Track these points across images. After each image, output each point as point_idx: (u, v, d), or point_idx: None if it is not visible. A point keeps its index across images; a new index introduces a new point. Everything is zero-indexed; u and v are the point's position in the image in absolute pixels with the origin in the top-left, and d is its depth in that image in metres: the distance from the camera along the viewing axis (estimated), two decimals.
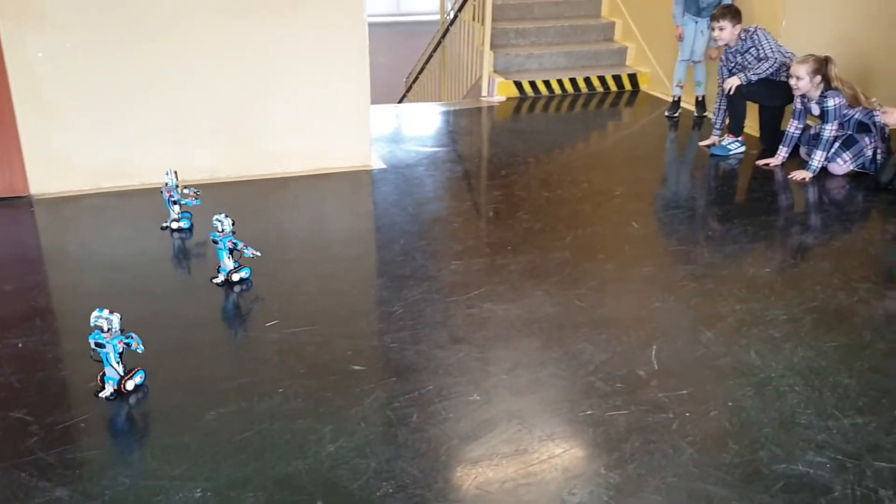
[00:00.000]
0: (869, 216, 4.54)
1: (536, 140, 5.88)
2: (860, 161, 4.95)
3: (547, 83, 7.12)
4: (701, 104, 6.32)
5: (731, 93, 5.33)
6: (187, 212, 4.16)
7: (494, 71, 7.18)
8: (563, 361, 2.99)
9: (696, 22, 6.00)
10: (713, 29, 5.35)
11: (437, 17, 9.17)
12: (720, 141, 5.51)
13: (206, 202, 4.57)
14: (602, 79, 7.22)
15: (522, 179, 4.96)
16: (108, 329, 2.73)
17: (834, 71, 4.87)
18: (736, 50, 5.33)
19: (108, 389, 2.76)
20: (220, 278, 3.54)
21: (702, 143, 5.67)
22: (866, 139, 4.93)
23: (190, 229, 4.15)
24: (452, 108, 6.87)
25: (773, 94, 5.33)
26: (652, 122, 6.42)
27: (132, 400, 2.77)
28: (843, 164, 4.96)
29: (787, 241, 4.24)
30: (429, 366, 2.94)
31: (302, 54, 4.77)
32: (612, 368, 2.94)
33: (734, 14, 5.28)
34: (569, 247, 3.99)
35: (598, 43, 7.66)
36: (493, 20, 7.08)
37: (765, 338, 3.15)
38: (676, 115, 6.37)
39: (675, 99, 6.41)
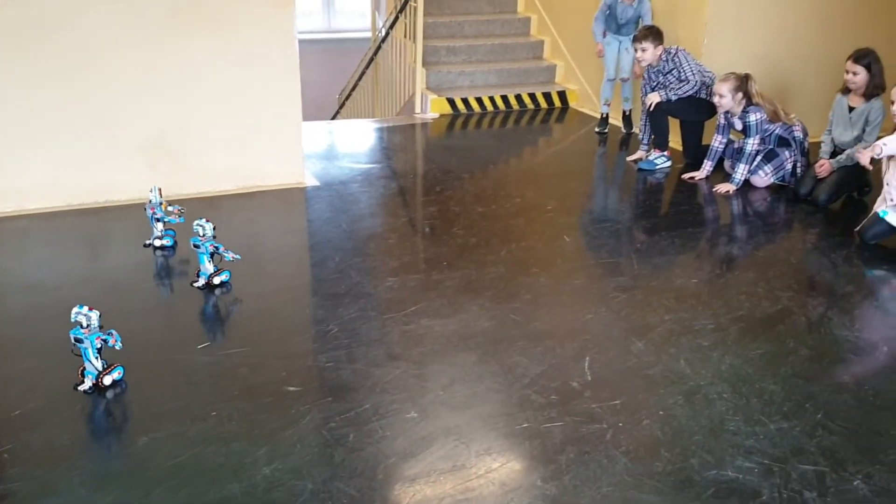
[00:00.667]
0: (790, 227, 4.70)
1: (470, 156, 5.94)
2: (780, 174, 5.14)
3: (479, 100, 7.20)
4: (628, 120, 6.46)
5: (652, 109, 5.48)
6: (171, 229, 4.10)
7: (427, 88, 7.23)
8: (500, 375, 3.01)
9: (620, 41, 6.14)
10: (636, 50, 5.47)
11: (369, 34, 9.20)
12: (647, 156, 5.65)
13: (133, 223, 4.49)
14: (532, 96, 7.33)
15: (457, 195, 5.00)
16: (87, 325, 2.84)
17: (754, 88, 5.04)
18: (658, 70, 5.47)
19: (87, 383, 2.86)
20: (201, 282, 3.65)
21: (630, 158, 5.81)
22: (786, 153, 5.11)
23: (173, 247, 4.08)
24: (386, 125, 6.89)
25: (692, 110, 5.50)
26: (581, 138, 6.54)
27: (104, 399, 2.69)
28: (764, 177, 5.14)
29: (713, 251, 4.36)
30: (365, 384, 2.93)
31: (232, 71, 4.72)
32: (547, 381, 2.98)
33: (656, 35, 5.42)
34: (503, 261, 4.03)
35: (528, 61, 7.78)
36: (425, 38, 7.14)
37: (693, 347, 3.24)
38: (605, 130, 6.50)
39: (604, 115, 6.54)
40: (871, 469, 2.53)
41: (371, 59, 8.32)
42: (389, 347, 3.19)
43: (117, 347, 2.91)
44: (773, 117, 5.07)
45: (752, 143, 5.06)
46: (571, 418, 2.75)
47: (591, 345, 3.24)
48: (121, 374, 2.92)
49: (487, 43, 7.71)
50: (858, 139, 4.84)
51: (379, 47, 8.05)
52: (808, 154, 5.20)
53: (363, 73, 8.59)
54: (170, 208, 4.03)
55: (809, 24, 5.92)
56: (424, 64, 7.21)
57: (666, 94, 5.40)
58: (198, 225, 3.61)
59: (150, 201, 4.06)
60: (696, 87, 5.37)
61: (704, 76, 5.41)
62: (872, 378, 3.08)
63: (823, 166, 4.90)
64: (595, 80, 7.06)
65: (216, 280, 3.66)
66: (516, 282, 3.80)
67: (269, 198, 4.88)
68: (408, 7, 7.15)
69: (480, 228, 4.44)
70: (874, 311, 3.66)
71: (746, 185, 5.17)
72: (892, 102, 4.19)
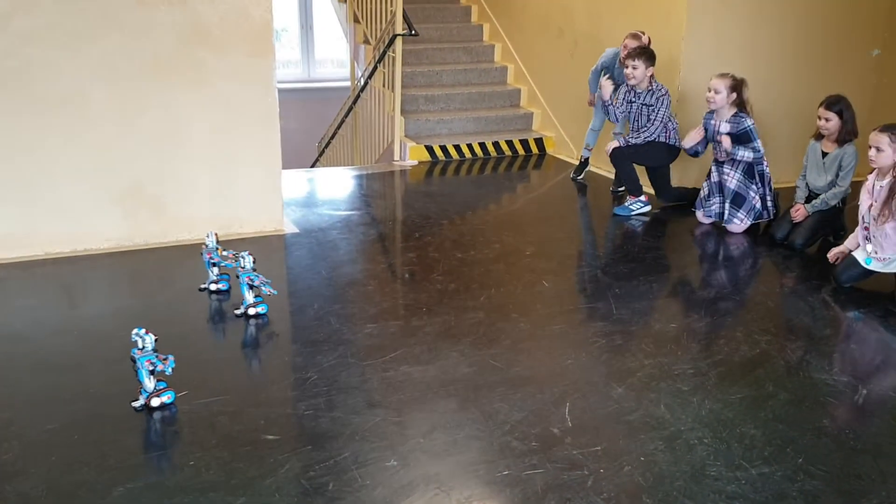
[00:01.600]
0: (767, 270, 4.75)
1: (449, 202, 5.97)
2: (754, 214, 5.19)
3: (457, 147, 7.27)
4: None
5: (610, 152, 5.56)
6: (225, 273, 4.13)
7: (406, 136, 7.29)
8: (480, 422, 2.99)
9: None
10: (627, 66, 5.51)
11: (348, 83, 9.29)
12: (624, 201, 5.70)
13: (109, 272, 4.46)
14: (510, 143, 7.42)
15: (436, 241, 5.01)
16: (142, 347, 3.02)
17: (747, 95, 5.12)
18: (638, 94, 5.53)
19: (140, 401, 3.04)
20: (241, 310, 3.83)
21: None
22: (751, 192, 5.17)
23: (228, 291, 4.12)
24: (365, 172, 6.92)
25: (651, 155, 5.57)
26: (558, 184, 6.61)
27: (157, 414, 2.65)
28: (739, 224, 5.20)
29: (691, 296, 4.39)
30: (344, 432, 2.90)
31: (211, 120, 4.75)
32: (528, 427, 2.96)
33: (649, 56, 5.47)
34: (483, 307, 4.03)
35: (505, 109, 7.88)
36: (403, 87, 7.22)
37: (673, 391, 3.24)
38: (581, 176, 6.54)
39: (583, 160, 6.57)
40: None
41: (350, 108, 8.39)
42: (369, 395, 3.16)
43: (167, 372, 3.02)
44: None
45: (758, 146, 5.10)
46: (552, 465, 2.74)
47: (571, 390, 3.23)
48: (170, 399, 3.05)
49: (465, 91, 7.81)
50: (832, 184, 4.92)
51: (358, 96, 8.13)
52: (777, 196, 5.29)
53: (342, 122, 8.66)
54: (224, 253, 4.06)
55: (782, 71, 6.06)
56: (403, 112, 7.29)
57: (624, 139, 5.50)
58: (241, 256, 3.83)
59: (207, 246, 4.11)
60: (655, 134, 5.46)
61: (668, 123, 5.50)
62: (852, 421, 3.09)
63: (799, 211, 4.97)
64: (572, 127, 7.17)
65: (252, 311, 3.81)
66: (496, 327, 3.80)
67: (248, 245, 4.84)
68: (386, 57, 7.25)
69: (460, 274, 4.45)
70: (852, 355, 3.69)
71: (723, 230, 5.23)
72: (870, 147, 4.23)
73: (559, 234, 5.34)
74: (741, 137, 5.12)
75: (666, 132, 5.51)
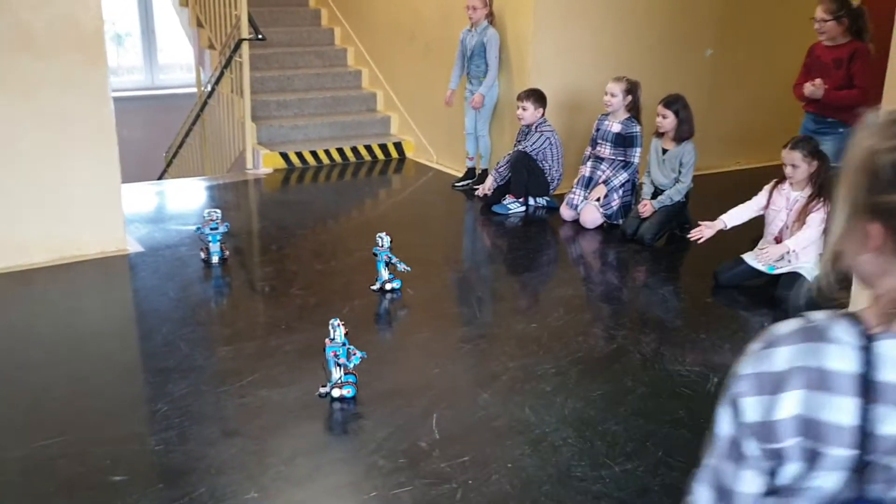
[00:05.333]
0: (620, 266, 4.89)
1: (307, 211, 5.81)
2: (608, 212, 5.33)
3: (314, 153, 7.10)
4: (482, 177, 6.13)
5: (513, 154, 5.64)
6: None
7: (258, 143, 7.06)
8: (345, 443, 2.91)
9: (472, 93, 6.09)
10: (518, 108, 5.56)
11: (195, 89, 8.92)
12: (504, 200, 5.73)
13: None
14: (368, 148, 7.31)
15: (294, 252, 4.86)
16: (332, 338, 3.14)
17: (640, 97, 5.28)
18: (532, 126, 5.59)
19: (324, 389, 3.14)
20: (378, 286, 4.13)
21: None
22: (615, 195, 5.32)
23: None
24: (217, 183, 6.65)
25: (533, 178, 5.64)
26: (420, 189, 6.57)
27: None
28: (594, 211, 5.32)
29: (550, 295, 4.45)
30: (199, 466, 2.73)
31: (41, 134, 4.39)
32: (395, 443, 2.89)
33: (538, 97, 5.53)
34: (345, 320, 3.87)
35: (362, 113, 7.77)
36: (253, 92, 6.98)
37: (537, 393, 3.25)
38: (466, 184, 6.28)
39: (468, 169, 6.39)
40: None
41: (198, 116, 8.05)
42: (225, 423, 2.99)
43: (349, 366, 3.11)
44: None
45: (637, 153, 5.28)
46: (420, 481, 2.67)
47: (438, 400, 3.18)
48: (350, 393, 3.12)
49: (319, 96, 7.64)
50: (676, 180, 5.12)
51: (205, 103, 7.81)
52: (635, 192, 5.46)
53: (190, 130, 8.30)
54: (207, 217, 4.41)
55: (628, 70, 6.19)
56: (254, 119, 7.04)
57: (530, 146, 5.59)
58: (379, 237, 4.13)
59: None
60: (539, 148, 5.56)
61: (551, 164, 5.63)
62: (706, 410, 3.17)
63: (646, 207, 5.13)
64: (429, 130, 7.15)
65: (388, 286, 4.14)
66: (360, 341, 3.67)
67: (87, 268, 4.53)
68: (233, 62, 6.99)
69: (320, 287, 4.32)
70: (703, 344, 3.82)
71: (577, 226, 5.33)
72: (786, 165, 4.21)
73: (422, 240, 5.29)
74: (627, 140, 5.29)
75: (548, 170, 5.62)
